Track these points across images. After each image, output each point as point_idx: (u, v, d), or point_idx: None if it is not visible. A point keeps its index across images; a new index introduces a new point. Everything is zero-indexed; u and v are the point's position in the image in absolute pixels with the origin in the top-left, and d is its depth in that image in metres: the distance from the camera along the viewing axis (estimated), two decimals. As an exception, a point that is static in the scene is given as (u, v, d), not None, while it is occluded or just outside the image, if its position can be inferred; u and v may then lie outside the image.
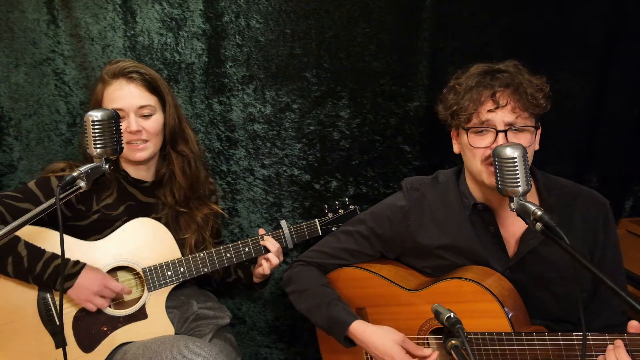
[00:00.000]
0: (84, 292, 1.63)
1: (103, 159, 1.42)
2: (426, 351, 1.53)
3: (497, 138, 1.47)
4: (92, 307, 1.65)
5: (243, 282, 1.96)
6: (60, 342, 1.64)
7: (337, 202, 1.95)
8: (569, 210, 1.56)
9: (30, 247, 1.61)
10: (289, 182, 2.14)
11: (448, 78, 1.65)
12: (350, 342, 1.60)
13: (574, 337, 1.37)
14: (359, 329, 1.57)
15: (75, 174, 1.36)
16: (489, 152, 1.46)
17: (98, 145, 1.40)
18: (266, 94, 2.07)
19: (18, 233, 1.59)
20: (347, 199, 1.97)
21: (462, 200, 1.63)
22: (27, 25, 1.94)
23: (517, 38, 2.08)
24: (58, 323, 1.64)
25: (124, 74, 1.72)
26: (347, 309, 1.63)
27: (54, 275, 1.59)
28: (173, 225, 1.81)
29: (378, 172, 2.16)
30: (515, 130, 1.48)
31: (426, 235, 1.66)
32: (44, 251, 1.62)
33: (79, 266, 1.64)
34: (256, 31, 2.02)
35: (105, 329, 1.70)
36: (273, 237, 1.85)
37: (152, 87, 1.75)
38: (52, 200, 1.33)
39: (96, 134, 1.40)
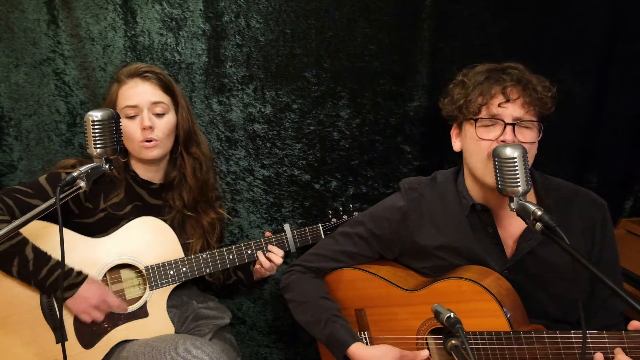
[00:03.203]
0: (83, 303, 1.63)
1: (103, 158, 1.43)
2: (423, 353, 1.56)
3: (504, 131, 1.47)
4: (87, 319, 1.66)
5: (244, 282, 1.96)
6: (60, 337, 1.65)
7: (341, 208, 1.94)
8: (567, 211, 1.56)
9: (37, 251, 1.61)
10: (288, 182, 2.14)
11: (448, 78, 1.66)
12: None
13: (573, 336, 1.38)
14: (357, 352, 1.58)
15: (75, 174, 1.37)
16: (495, 145, 1.46)
17: (98, 145, 1.41)
18: (266, 94, 2.07)
19: (26, 234, 1.61)
20: (351, 205, 1.96)
21: (460, 200, 1.63)
22: (27, 25, 1.94)
23: (517, 38, 2.08)
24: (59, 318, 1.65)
25: (139, 74, 1.76)
26: (346, 326, 1.63)
27: (56, 284, 1.60)
28: (179, 230, 1.82)
29: (378, 172, 2.16)
30: (523, 125, 1.48)
31: (424, 235, 1.66)
32: (50, 257, 1.62)
33: (81, 277, 1.64)
34: (256, 31, 2.02)
35: (106, 325, 1.70)
36: (276, 240, 1.86)
37: (166, 86, 1.78)
38: (52, 201, 1.34)
39: (96, 134, 1.40)
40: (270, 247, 1.84)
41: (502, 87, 1.49)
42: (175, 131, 1.80)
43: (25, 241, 1.61)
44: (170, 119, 1.77)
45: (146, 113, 1.73)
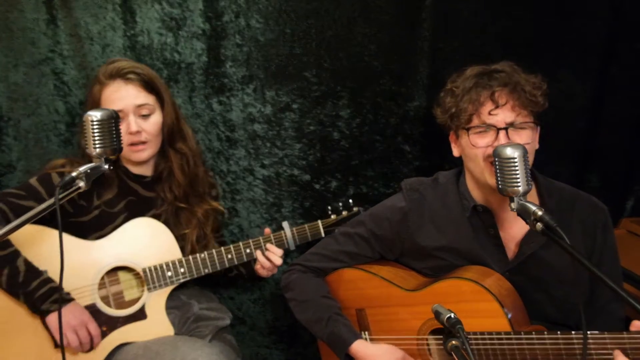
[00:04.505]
0: (65, 321, 1.60)
1: (102, 158, 1.42)
2: None
3: (498, 136, 1.47)
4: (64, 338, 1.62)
5: (245, 277, 1.97)
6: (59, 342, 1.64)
7: (340, 204, 1.94)
8: (568, 214, 1.56)
9: (28, 264, 1.60)
10: (288, 182, 2.14)
11: (448, 78, 1.65)
12: (350, 359, 1.61)
13: (574, 337, 1.37)
14: (360, 349, 1.58)
15: (74, 174, 1.36)
16: (490, 150, 1.46)
17: (97, 145, 1.40)
18: (266, 94, 2.07)
19: (21, 238, 1.60)
20: (350, 201, 1.95)
21: (461, 201, 1.62)
22: (26, 24, 1.93)
23: (517, 38, 2.08)
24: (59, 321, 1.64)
25: (121, 75, 1.73)
26: (348, 324, 1.63)
27: (46, 296, 1.59)
28: (173, 221, 1.81)
29: (378, 172, 2.16)
30: (516, 127, 1.48)
31: (425, 236, 1.66)
32: (41, 272, 1.61)
33: (69, 296, 1.64)
34: (256, 31, 2.02)
35: (104, 329, 1.69)
36: (275, 238, 1.85)
37: (149, 86, 1.76)
38: (51, 200, 1.33)
39: (96, 134, 1.39)
40: (268, 245, 1.83)
41: (490, 94, 1.48)
42: (162, 129, 1.79)
43: (17, 254, 1.60)
44: (156, 118, 1.76)
45: (132, 118, 1.71)
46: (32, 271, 1.60)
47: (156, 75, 1.81)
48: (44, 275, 1.60)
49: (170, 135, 1.80)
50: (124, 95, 1.72)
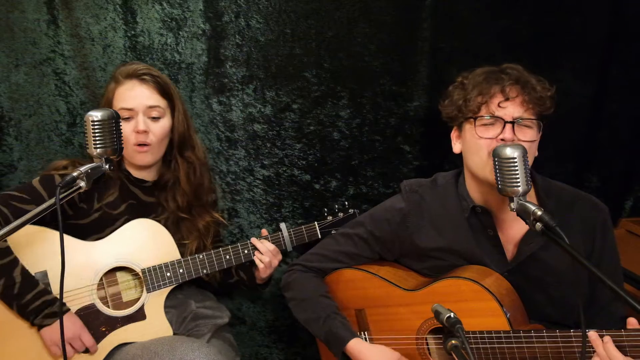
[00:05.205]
0: (56, 335, 1.59)
1: (103, 158, 1.43)
2: None
3: (504, 129, 1.47)
4: (56, 351, 1.62)
5: (246, 283, 1.96)
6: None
7: (336, 206, 1.94)
8: (567, 214, 1.56)
9: (25, 275, 1.59)
10: (288, 182, 2.14)
11: (448, 78, 1.66)
12: (347, 357, 1.61)
13: (572, 335, 1.38)
14: (356, 348, 1.58)
15: (75, 174, 1.37)
16: (495, 143, 1.46)
17: (98, 145, 1.40)
18: (266, 94, 2.07)
19: (20, 245, 1.60)
20: (346, 202, 1.96)
21: (460, 203, 1.63)
22: (27, 25, 1.94)
23: (517, 38, 2.08)
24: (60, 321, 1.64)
25: (137, 76, 1.74)
26: (345, 323, 1.64)
27: (39, 310, 1.58)
28: (173, 230, 1.81)
29: (378, 172, 2.17)
30: (522, 124, 1.49)
31: (424, 237, 1.66)
32: (37, 283, 1.60)
33: (63, 309, 1.62)
34: (256, 31, 2.03)
35: (103, 329, 1.70)
36: (272, 239, 1.85)
37: (163, 90, 1.77)
38: (52, 201, 1.33)
39: (96, 134, 1.40)
40: (262, 240, 1.84)
41: (501, 86, 1.50)
42: (170, 134, 1.80)
43: (15, 263, 1.59)
44: (165, 123, 1.77)
45: (141, 117, 1.72)
46: (28, 282, 1.58)
47: (171, 83, 1.83)
48: (39, 287, 1.59)
49: (181, 142, 1.81)
50: (137, 94, 1.73)
